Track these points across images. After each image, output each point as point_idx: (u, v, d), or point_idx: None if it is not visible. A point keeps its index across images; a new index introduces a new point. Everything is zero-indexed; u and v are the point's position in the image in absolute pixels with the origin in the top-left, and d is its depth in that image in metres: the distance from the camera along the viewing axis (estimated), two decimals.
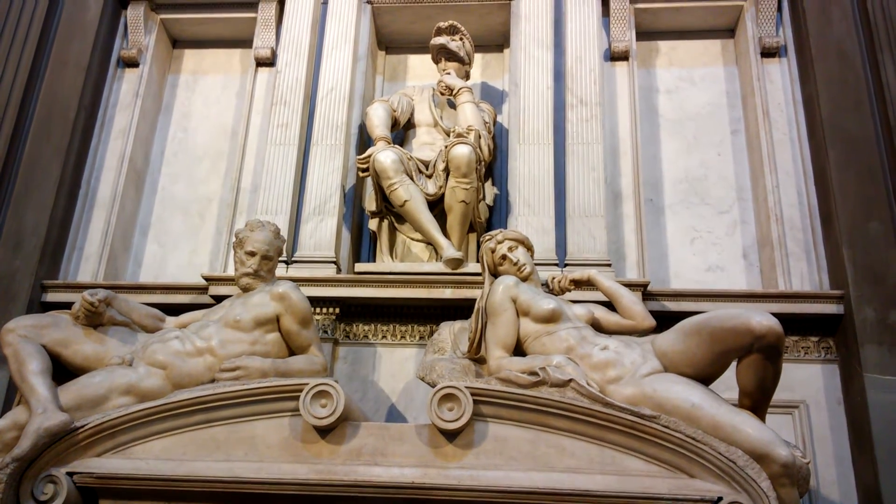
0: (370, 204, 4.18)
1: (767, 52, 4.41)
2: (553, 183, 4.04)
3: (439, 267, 3.87)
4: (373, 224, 4.21)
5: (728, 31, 4.72)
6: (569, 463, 2.77)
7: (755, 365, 2.79)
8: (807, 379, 3.68)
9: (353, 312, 3.90)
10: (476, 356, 3.29)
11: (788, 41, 4.44)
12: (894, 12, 4.11)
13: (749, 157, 4.37)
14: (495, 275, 3.43)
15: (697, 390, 2.82)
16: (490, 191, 4.31)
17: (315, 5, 4.63)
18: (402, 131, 4.49)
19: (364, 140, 4.49)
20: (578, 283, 3.48)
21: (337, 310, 3.84)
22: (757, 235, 4.19)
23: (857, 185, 3.84)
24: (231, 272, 3.73)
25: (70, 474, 2.85)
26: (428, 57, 4.57)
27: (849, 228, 3.76)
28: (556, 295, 3.44)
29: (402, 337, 3.88)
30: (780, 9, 4.49)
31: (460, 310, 3.67)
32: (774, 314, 2.79)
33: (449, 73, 4.39)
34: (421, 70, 4.84)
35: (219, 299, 3.73)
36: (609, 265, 3.82)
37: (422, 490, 2.75)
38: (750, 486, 2.59)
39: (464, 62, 4.45)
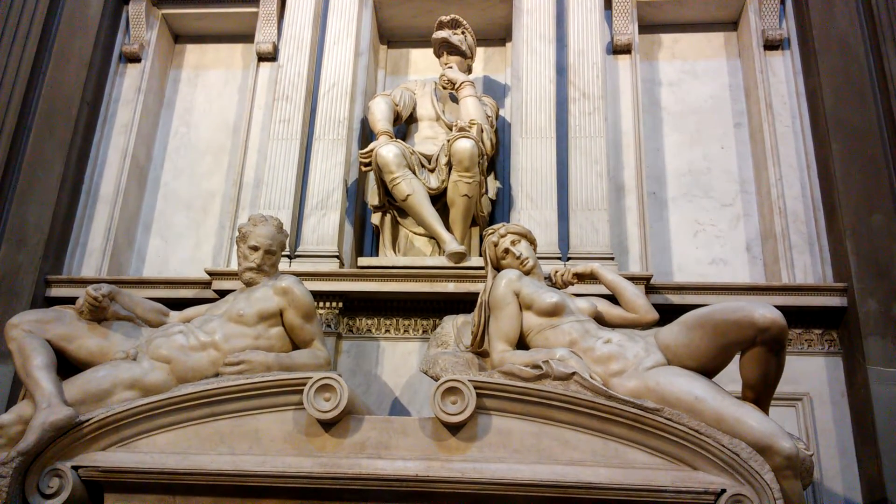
0: (373, 198, 4.18)
1: (770, 45, 4.40)
2: (556, 176, 4.05)
3: (442, 261, 3.87)
4: (375, 218, 4.21)
5: (731, 24, 4.70)
6: (572, 456, 2.77)
7: (758, 358, 2.79)
8: (810, 371, 3.68)
9: (356, 306, 3.90)
10: (479, 350, 3.30)
11: (791, 34, 4.43)
12: None
13: (752, 149, 4.36)
14: (498, 269, 3.43)
15: (700, 383, 2.82)
16: (493, 185, 4.31)
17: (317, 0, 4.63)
18: (404, 125, 4.49)
19: (366, 134, 4.49)
20: (581, 277, 3.48)
21: (340, 304, 3.85)
22: (760, 228, 4.18)
23: (861, 177, 3.84)
24: (234, 267, 3.73)
25: (75, 468, 2.86)
26: (430, 51, 4.56)
27: (852, 221, 3.76)
28: (558, 288, 3.44)
29: (405, 331, 3.88)
30: (783, 1, 4.48)
31: (463, 304, 3.68)
32: (778, 307, 2.78)
33: (451, 67, 4.39)
34: (423, 64, 4.83)
35: (222, 294, 3.74)
36: (612, 258, 3.82)
37: (425, 483, 2.75)
38: (753, 478, 2.59)
39: (466, 56, 4.44)
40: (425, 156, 4.15)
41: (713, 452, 2.65)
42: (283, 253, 3.72)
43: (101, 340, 3.21)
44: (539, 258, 3.55)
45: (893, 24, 4.07)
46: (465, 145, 3.89)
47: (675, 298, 3.72)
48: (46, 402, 2.90)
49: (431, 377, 3.24)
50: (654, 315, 3.31)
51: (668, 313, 3.39)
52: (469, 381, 2.85)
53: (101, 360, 3.15)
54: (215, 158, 4.67)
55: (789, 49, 4.41)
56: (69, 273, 4.23)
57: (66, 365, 3.17)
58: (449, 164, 3.99)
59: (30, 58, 4.43)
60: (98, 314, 3.27)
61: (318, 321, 3.42)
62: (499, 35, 4.80)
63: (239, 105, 4.76)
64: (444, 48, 4.43)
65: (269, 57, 4.68)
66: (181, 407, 2.95)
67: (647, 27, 4.65)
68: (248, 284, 3.42)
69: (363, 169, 4.16)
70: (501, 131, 4.50)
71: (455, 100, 4.41)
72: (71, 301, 3.42)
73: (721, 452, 2.64)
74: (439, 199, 4.06)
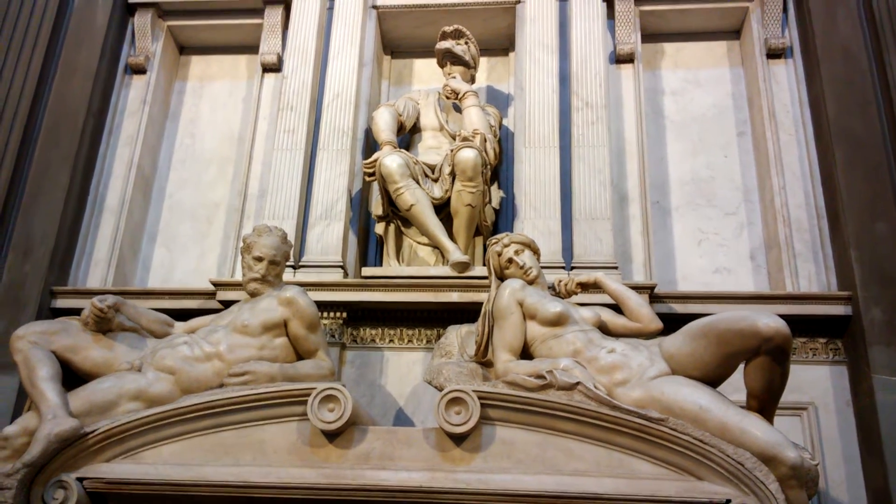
0: (377, 208, 4.19)
1: (773, 54, 4.40)
2: (559, 186, 4.05)
3: (446, 271, 3.88)
4: (379, 228, 4.21)
5: (733, 33, 4.71)
6: (577, 466, 2.77)
7: (763, 367, 2.79)
8: (815, 380, 3.67)
9: (360, 316, 3.90)
10: (483, 360, 3.30)
11: (794, 42, 4.43)
12: None
13: (755, 158, 4.36)
14: (502, 278, 3.43)
15: (705, 393, 2.82)
16: (496, 194, 4.32)
17: (321, 11, 4.65)
18: (408, 135, 4.50)
19: (370, 144, 4.50)
20: (585, 286, 3.48)
21: (344, 314, 3.85)
22: (764, 237, 4.18)
23: (864, 185, 3.83)
24: (239, 277, 3.75)
25: (80, 479, 2.86)
26: (433, 61, 4.58)
27: (856, 229, 3.75)
28: (562, 298, 3.44)
29: (409, 341, 3.88)
30: (785, 10, 4.48)
31: (467, 313, 3.68)
32: (782, 316, 2.78)
33: (454, 77, 4.40)
34: (426, 74, 4.85)
35: (227, 304, 3.75)
36: (616, 268, 3.82)
37: (430, 494, 2.75)
38: (758, 488, 2.58)
39: (469, 66, 4.46)
40: (429, 165, 4.16)
41: (718, 462, 2.65)
42: (288, 263, 3.73)
43: (106, 352, 3.22)
44: (543, 268, 3.55)
45: (895, 31, 4.08)
46: (468, 155, 3.90)
47: (679, 308, 3.72)
48: (52, 413, 2.91)
49: (435, 387, 3.24)
50: (658, 324, 3.31)
51: (672, 322, 3.37)
52: (473, 391, 2.86)
53: (105, 372, 3.16)
54: (220, 169, 4.69)
55: (792, 57, 4.42)
56: (75, 284, 4.25)
57: (72, 376, 3.18)
58: (452, 174, 4.00)
59: (36, 69, 4.46)
60: (103, 325, 3.28)
61: (322, 331, 3.43)
62: (502, 45, 4.82)
63: (243, 116, 4.78)
64: (448, 58, 4.44)
65: (274, 68, 4.70)
66: (186, 418, 2.96)
67: (649, 36, 4.66)
68: (253, 295, 3.43)
69: (367, 179, 4.17)
70: (505, 141, 4.52)
71: (458, 110, 4.42)
72: (76, 312, 3.44)
73: (726, 462, 2.64)
74: (443, 209, 4.07)
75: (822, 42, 4.19)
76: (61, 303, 4.06)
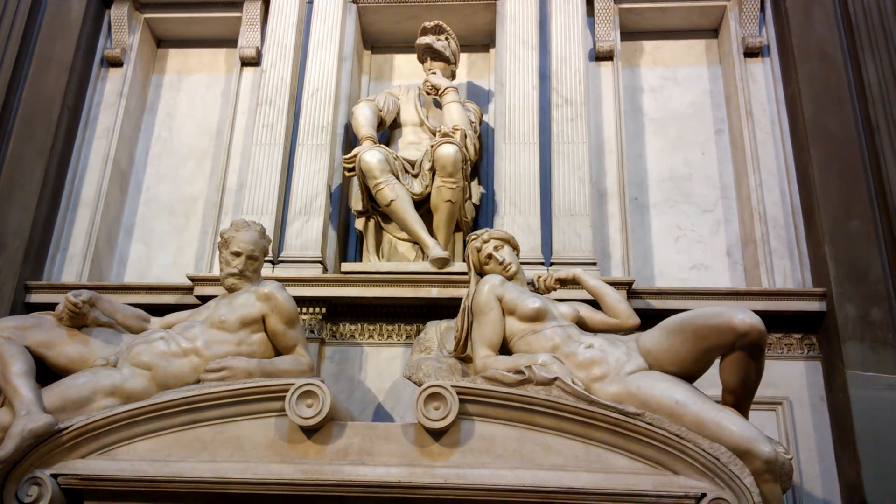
0: (356, 203, 4.18)
1: (750, 52, 4.45)
2: (539, 182, 4.06)
3: (426, 266, 3.88)
4: (359, 224, 4.20)
5: (712, 31, 4.75)
6: (555, 461, 2.78)
7: (738, 362, 2.81)
8: (790, 376, 3.71)
9: (339, 312, 3.89)
10: (462, 355, 3.31)
11: (771, 41, 4.48)
12: (875, 12, 4.15)
13: (733, 156, 4.40)
14: (481, 274, 3.43)
15: (681, 388, 2.84)
16: (476, 190, 4.32)
17: (300, 5, 4.62)
18: (388, 131, 4.49)
19: (350, 140, 4.48)
20: (564, 282, 3.50)
21: (323, 309, 3.84)
22: (740, 233, 4.22)
23: (839, 183, 3.88)
24: (216, 272, 3.72)
25: (54, 476, 2.83)
26: (414, 56, 4.57)
27: (831, 226, 3.80)
28: (541, 294, 3.45)
29: (388, 336, 3.88)
30: (762, 9, 4.53)
31: (447, 309, 3.68)
32: (758, 312, 2.82)
33: (435, 73, 4.40)
34: (407, 69, 4.84)
35: (204, 300, 3.72)
36: (594, 264, 3.84)
37: (408, 489, 2.76)
38: (733, 482, 2.61)
39: (449, 62, 4.46)
40: (409, 161, 4.16)
41: (694, 457, 2.68)
42: (266, 258, 3.71)
43: (81, 347, 3.19)
44: (522, 263, 3.56)
45: (871, 31, 4.12)
46: (448, 151, 3.90)
47: (657, 303, 3.75)
48: (25, 409, 2.87)
49: (415, 383, 3.24)
50: (635, 320, 3.33)
51: (649, 318, 3.40)
52: (452, 386, 2.86)
53: (81, 367, 3.13)
54: (198, 163, 4.64)
55: (769, 56, 4.46)
56: (49, 279, 4.19)
57: (46, 372, 3.14)
58: (433, 170, 3.99)
59: (10, 62, 4.38)
60: (78, 320, 3.24)
61: (300, 327, 3.41)
62: (482, 41, 4.82)
63: (222, 110, 4.74)
64: (428, 54, 4.44)
65: (253, 62, 4.67)
66: (162, 414, 2.93)
67: (628, 34, 4.69)
68: (231, 290, 3.41)
69: (347, 174, 4.16)
70: (485, 137, 4.52)
71: (439, 105, 4.42)
72: (51, 307, 3.40)
73: (701, 457, 2.66)
74: (423, 205, 4.07)
75: (799, 42, 4.24)
76: (35, 298, 4.01)
